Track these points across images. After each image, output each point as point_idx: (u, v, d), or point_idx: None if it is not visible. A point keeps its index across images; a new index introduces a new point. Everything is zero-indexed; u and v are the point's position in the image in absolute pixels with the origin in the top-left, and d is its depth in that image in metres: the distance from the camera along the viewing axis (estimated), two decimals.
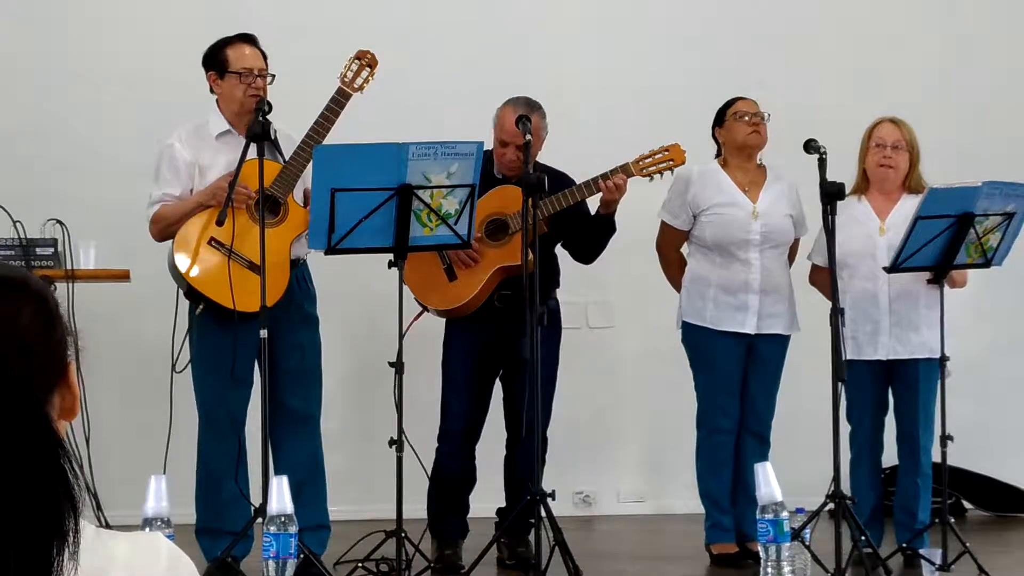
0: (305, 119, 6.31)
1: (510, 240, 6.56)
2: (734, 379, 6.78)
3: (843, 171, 6.51)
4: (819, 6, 8.79)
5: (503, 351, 6.49)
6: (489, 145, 6.49)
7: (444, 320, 6.79)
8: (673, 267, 6.99)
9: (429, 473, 6.58)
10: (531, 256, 6.05)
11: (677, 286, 6.97)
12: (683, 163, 6.64)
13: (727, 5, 8.72)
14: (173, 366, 6.22)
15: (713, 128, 6.94)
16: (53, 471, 1.63)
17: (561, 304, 6.85)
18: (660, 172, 6.61)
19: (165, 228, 6.26)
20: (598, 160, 6.59)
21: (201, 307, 6.19)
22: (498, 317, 6.58)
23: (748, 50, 8.60)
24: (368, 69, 6.40)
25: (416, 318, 6.52)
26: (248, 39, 6.38)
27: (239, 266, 6.14)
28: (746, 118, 6.82)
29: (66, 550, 1.63)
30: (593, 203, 6.68)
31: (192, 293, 6.20)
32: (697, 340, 6.83)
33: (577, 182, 6.57)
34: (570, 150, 7.03)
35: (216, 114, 6.38)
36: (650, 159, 6.59)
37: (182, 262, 6.16)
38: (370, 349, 7.47)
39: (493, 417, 6.81)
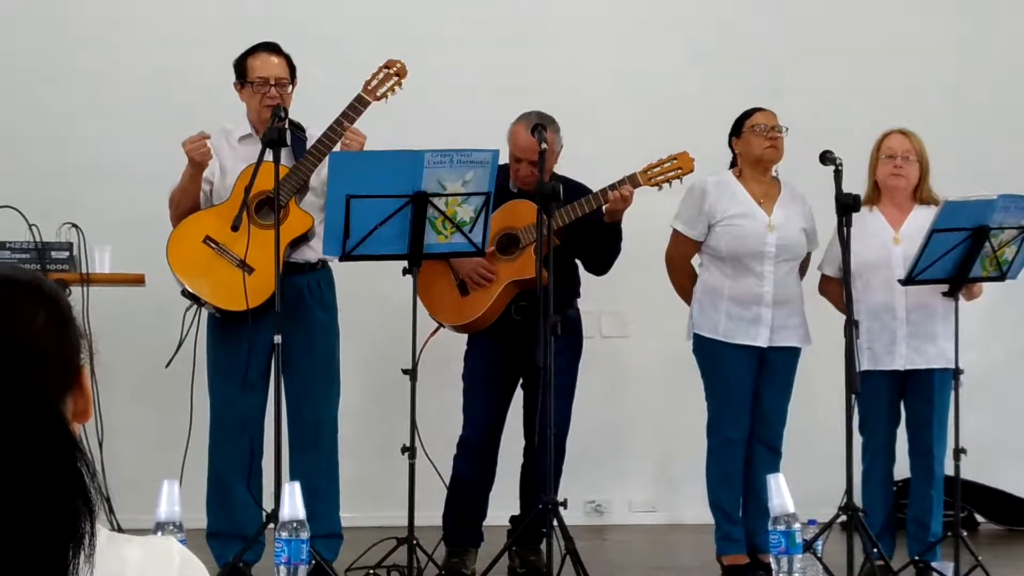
0: (310, 118, 6.36)
1: (521, 254, 6.57)
2: (746, 390, 6.76)
3: (851, 183, 6.48)
4: (832, 17, 8.79)
5: (522, 360, 6.49)
6: (504, 158, 6.50)
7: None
8: (683, 278, 6.95)
9: (444, 480, 6.58)
10: (544, 272, 6.06)
11: (686, 297, 6.94)
12: (692, 171, 6.63)
13: (741, 14, 8.72)
14: (193, 374, 6.23)
15: (730, 138, 6.92)
16: (69, 473, 1.64)
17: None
18: (669, 181, 6.61)
19: (174, 211, 6.33)
20: (611, 169, 6.59)
21: (193, 307, 6.22)
22: (517, 328, 6.59)
23: (761, 60, 8.60)
24: (396, 78, 6.40)
25: (432, 335, 6.53)
26: (270, 47, 6.41)
27: (229, 264, 6.15)
28: (764, 132, 6.80)
29: (82, 553, 1.63)
30: None
31: (187, 293, 6.22)
32: (709, 352, 6.80)
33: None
34: (584, 159, 7.03)
35: (244, 118, 6.44)
36: (658, 168, 6.59)
37: (173, 259, 6.19)
38: (386, 357, 7.47)
39: (510, 426, 6.82)
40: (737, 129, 6.89)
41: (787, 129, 6.83)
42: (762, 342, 6.73)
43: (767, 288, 6.73)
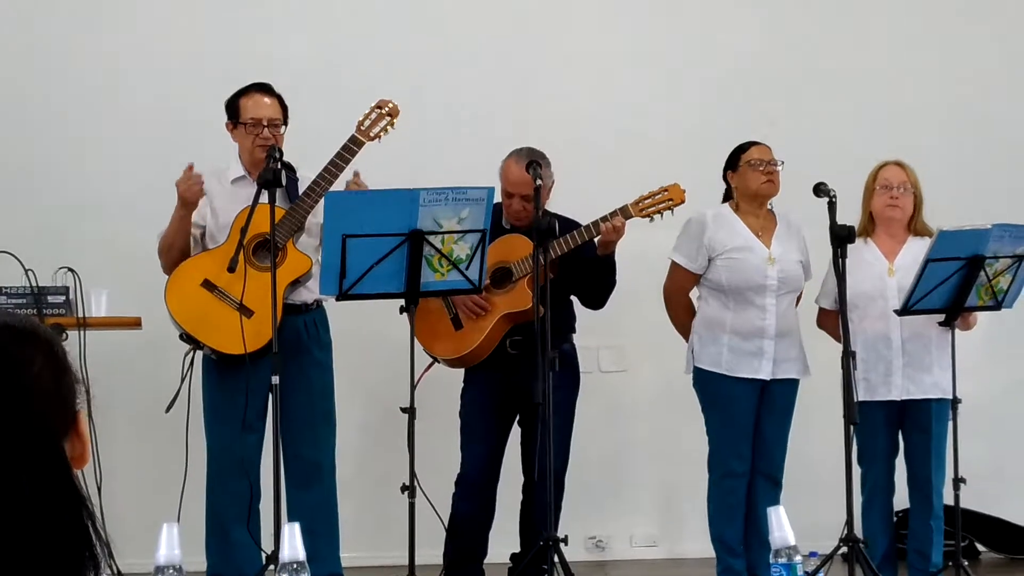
0: (307, 159, 6.37)
1: (515, 286, 6.58)
2: (748, 423, 6.75)
3: (844, 214, 6.49)
4: (828, 48, 8.81)
5: (519, 396, 6.49)
6: (497, 196, 6.51)
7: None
8: (681, 311, 6.96)
9: (443, 519, 6.56)
10: (540, 307, 6.06)
11: (683, 330, 6.94)
12: (683, 202, 6.63)
13: (737, 50, 8.73)
14: (188, 415, 6.22)
15: (725, 172, 6.93)
16: (76, 530, 1.64)
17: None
18: (660, 212, 6.62)
19: (164, 257, 6.34)
20: (603, 204, 6.60)
21: (191, 350, 6.21)
22: (512, 363, 6.58)
23: (755, 93, 8.61)
24: (388, 118, 6.40)
25: (427, 370, 6.52)
26: (263, 88, 6.43)
27: (228, 307, 6.15)
28: (761, 167, 6.81)
29: None
30: None
31: (186, 336, 6.22)
32: (711, 385, 6.79)
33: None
34: (574, 195, 7.04)
35: (236, 160, 6.45)
36: (650, 200, 6.60)
37: (172, 304, 6.19)
38: (384, 395, 7.46)
39: (509, 462, 6.80)
40: (733, 163, 6.89)
41: (783, 163, 6.84)
42: (765, 375, 6.73)
43: (770, 321, 6.72)
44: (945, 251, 6.35)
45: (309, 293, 6.35)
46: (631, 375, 8.53)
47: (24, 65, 8.15)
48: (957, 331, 6.61)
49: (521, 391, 6.38)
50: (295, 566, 4.11)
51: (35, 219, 7.91)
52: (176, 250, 6.30)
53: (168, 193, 6.35)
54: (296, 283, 6.26)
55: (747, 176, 6.82)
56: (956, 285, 6.41)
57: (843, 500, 6.13)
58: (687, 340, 6.92)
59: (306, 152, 6.45)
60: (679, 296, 6.96)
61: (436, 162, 7.82)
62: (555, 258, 6.44)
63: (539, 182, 6.30)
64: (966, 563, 6.48)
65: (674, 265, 6.89)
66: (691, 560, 8.16)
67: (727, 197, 6.94)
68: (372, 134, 6.37)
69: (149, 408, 7.03)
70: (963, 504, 6.57)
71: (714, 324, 6.79)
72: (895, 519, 6.88)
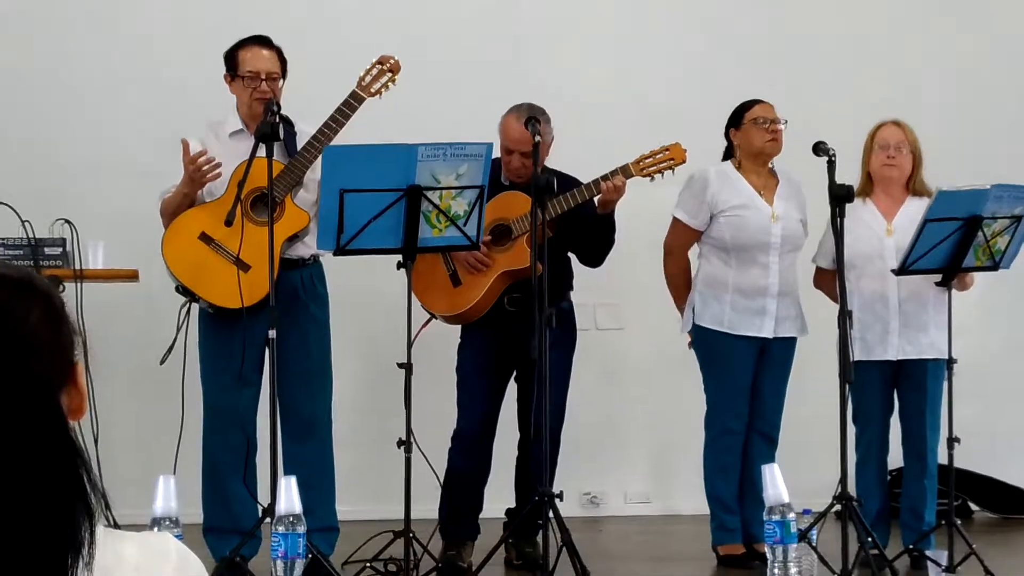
0: (308, 114, 6.36)
1: (513, 244, 6.58)
2: (746, 381, 6.76)
3: (842, 174, 6.49)
4: (822, 10, 8.79)
5: (516, 352, 6.50)
6: (497, 152, 6.50)
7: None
8: (678, 267, 6.94)
9: (439, 474, 6.58)
10: (538, 264, 6.06)
11: (675, 287, 6.94)
12: (684, 162, 6.62)
13: (738, 7, 8.72)
14: (184, 369, 6.23)
15: (728, 129, 6.91)
16: (71, 481, 1.64)
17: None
18: (660, 172, 6.61)
19: (167, 219, 6.33)
20: (603, 163, 6.59)
21: (187, 303, 6.21)
22: (510, 319, 6.59)
23: (756, 51, 8.60)
24: (389, 74, 6.38)
25: (424, 325, 6.53)
26: (262, 41, 6.40)
27: (225, 261, 6.15)
28: (765, 125, 6.79)
29: (80, 561, 1.64)
30: None
31: (182, 289, 6.22)
32: (712, 343, 6.79)
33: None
34: (574, 153, 7.03)
35: (234, 113, 6.43)
36: (651, 159, 6.59)
37: (169, 256, 6.19)
38: (381, 350, 7.48)
39: (505, 418, 6.82)
40: (736, 120, 6.87)
41: (786, 122, 6.82)
42: (767, 333, 6.74)
43: (772, 279, 6.73)
44: (943, 211, 6.34)
45: (306, 248, 6.34)
46: (628, 333, 8.56)
47: (20, 22, 8.13)
48: (954, 291, 6.61)
49: (518, 348, 6.38)
50: (291, 519, 4.13)
51: (32, 171, 7.90)
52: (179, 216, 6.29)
53: (165, 147, 6.33)
54: (294, 238, 6.26)
55: (751, 134, 6.81)
56: (954, 245, 6.41)
57: (837, 459, 6.15)
58: (676, 297, 6.92)
59: (306, 108, 6.43)
60: (679, 252, 6.95)
61: (436, 118, 7.81)
62: (554, 216, 6.44)
63: (538, 138, 6.29)
64: (959, 522, 6.49)
65: (675, 221, 6.87)
66: (685, 517, 8.20)
67: (727, 155, 6.93)
68: (373, 90, 6.35)
69: (146, 361, 7.04)
70: (957, 464, 6.60)
71: (716, 282, 6.78)
72: (889, 478, 6.91)
